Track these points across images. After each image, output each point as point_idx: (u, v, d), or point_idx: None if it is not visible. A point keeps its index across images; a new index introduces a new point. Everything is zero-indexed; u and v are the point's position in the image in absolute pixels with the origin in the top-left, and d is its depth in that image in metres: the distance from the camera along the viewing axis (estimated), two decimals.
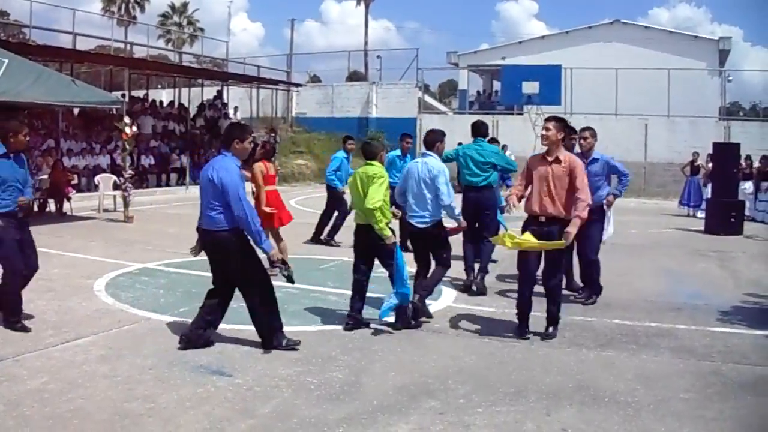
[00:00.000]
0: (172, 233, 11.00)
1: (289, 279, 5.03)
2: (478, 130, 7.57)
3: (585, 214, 5.26)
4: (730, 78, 28.20)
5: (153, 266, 8.09)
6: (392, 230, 5.54)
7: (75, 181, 14.75)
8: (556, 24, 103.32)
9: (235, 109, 27.42)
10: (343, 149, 10.25)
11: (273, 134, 22.55)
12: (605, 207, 6.83)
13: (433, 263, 5.97)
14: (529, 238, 5.31)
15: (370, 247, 5.55)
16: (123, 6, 43.21)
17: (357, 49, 36.61)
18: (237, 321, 5.30)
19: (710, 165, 15.33)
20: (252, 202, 5.35)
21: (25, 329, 5.21)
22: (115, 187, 13.83)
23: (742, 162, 15.28)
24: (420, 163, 5.97)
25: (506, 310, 6.38)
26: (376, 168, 5.56)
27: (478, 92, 33.83)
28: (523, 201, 5.61)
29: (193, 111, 24.14)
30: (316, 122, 28.36)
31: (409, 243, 6.57)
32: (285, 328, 5.06)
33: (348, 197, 6.57)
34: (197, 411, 3.86)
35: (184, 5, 46.43)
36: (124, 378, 4.33)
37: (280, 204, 7.80)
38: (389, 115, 27.13)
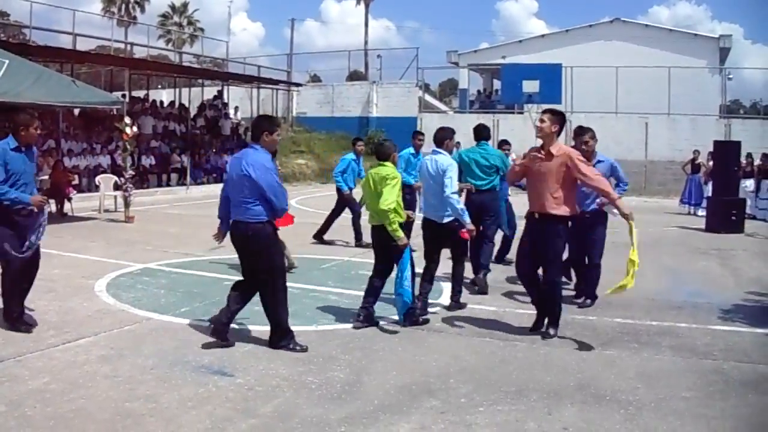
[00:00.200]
0: (172, 233, 11.00)
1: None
2: (481, 134, 7.64)
3: (615, 194, 5.36)
4: (731, 76, 28.14)
5: (154, 266, 8.09)
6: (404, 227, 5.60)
7: (76, 182, 14.75)
8: (556, 23, 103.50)
9: (236, 109, 27.44)
10: (353, 151, 10.28)
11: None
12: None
13: (429, 266, 6.11)
14: (633, 256, 5.13)
15: (387, 248, 5.63)
16: (123, 6, 43.27)
17: (357, 49, 36.64)
18: (238, 320, 5.30)
19: (711, 163, 15.32)
20: None
21: (28, 330, 5.18)
22: (116, 187, 13.84)
23: (743, 160, 15.26)
24: (430, 160, 6.11)
25: (507, 309, 6.40)
26: (389, 169, 5.61)
27: (478, 91, 33.82)
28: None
29: (193, 111, 24.16)
30: (317, 122, 28.37)
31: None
32: None
33: (358, 197, 6.71)
34: (199, 411, 3.86)
35: (184, 5, 46.49)
36: (125, 378, 4.34)
37: None
38: (390, 114, 27.14)
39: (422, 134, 9.68)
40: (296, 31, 43.97)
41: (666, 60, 25.33)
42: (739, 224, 12.69)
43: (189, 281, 7.36)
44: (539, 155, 5.33)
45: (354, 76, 33.92)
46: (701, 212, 15.05)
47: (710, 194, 14.53)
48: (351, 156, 10.18)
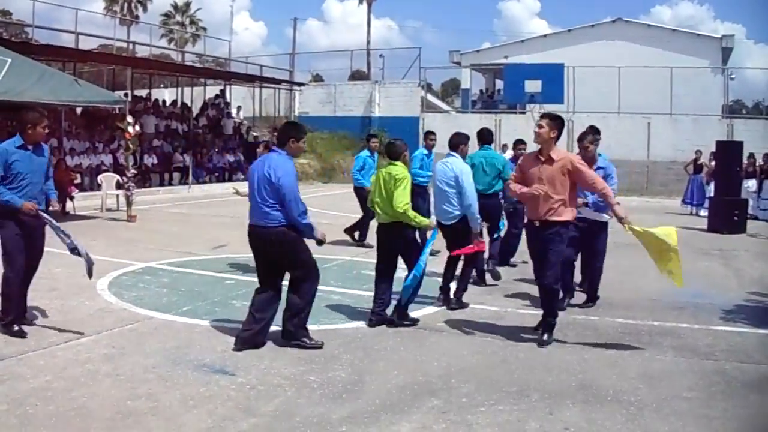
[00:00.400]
0: (174, 232, 11.00)
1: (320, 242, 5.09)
2: (485, 138, 7.71)
3: (614, 199, 5.27)
4: (733, 76, 28.02)
5: (156, 265, 8.10)
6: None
7: (78, 181, 14.76)
8: (559, 22, 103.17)
9: (238, 108, 27.46)
10: (367, 148, 10.31)
11: (276, 134, 22.53)
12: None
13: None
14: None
15: (393, 245, 5.68)
16: (125, 5, 43.32)
17: (359, 48, 36.59)
18: (238, 320, 5.30)
19: (713, 163, 15.30)
20: None
21: (22, 334, 5.07)
22: (118, 186, 13.86)
23: (745, 160, 15.24)
24: (443, 163, 6.24)
25: (509, 309, 6.40)
26: (399, 168, 5.62)
27: (480, 91, 33.80)
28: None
29: (195, 110, 24.19)
30: (319, 121, 28.31)
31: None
32: None
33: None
34: (200, 410, 3.86)
35: (187, 4, 46.54)
36: (127, 377, 4.34)
37: None
38: (392, 114, 27.09)
39: (434, 134, 9.69)
40: (298, 30, 43.86)
41: (668, 60, 25.31)
42: (741, 225, 12.68)
43: (191, 280, 7.37)
44: (540, 192, 5.14)
45: (356, 76, 33.91)
46: (703, 213, 15.02)
47: (712, 194, 14.51)
48: (366, 153, 10.22)
